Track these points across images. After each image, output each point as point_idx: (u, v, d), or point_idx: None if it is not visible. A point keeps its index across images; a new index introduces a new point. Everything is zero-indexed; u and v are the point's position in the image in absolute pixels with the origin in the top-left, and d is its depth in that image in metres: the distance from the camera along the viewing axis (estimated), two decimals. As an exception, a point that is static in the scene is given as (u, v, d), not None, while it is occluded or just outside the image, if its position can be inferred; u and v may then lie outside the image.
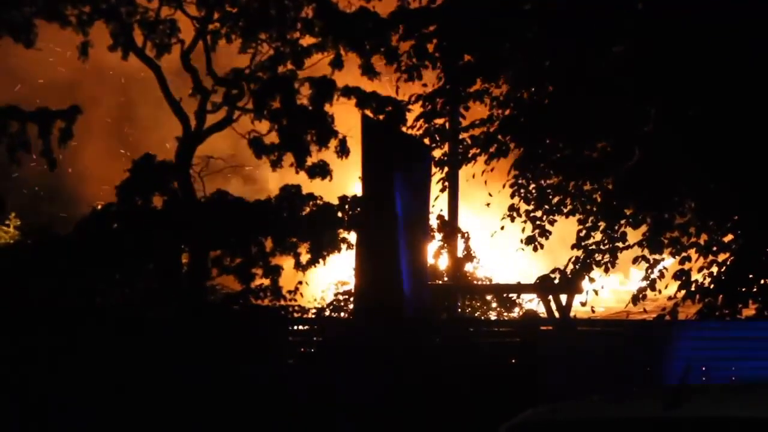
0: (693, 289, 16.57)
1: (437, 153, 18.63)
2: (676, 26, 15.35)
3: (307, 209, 18.93)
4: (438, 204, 19.71)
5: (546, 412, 6.47)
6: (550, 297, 19.38)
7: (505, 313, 25.04)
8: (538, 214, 17.67)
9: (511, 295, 24.61)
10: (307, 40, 19.32)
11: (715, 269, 16.69)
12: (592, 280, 17.48)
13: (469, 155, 17.87)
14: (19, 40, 18.83)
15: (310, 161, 19.11)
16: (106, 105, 37.27)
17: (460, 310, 23.30)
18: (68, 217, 24.93)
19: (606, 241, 17.16)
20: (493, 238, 19.69)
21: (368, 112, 18.63)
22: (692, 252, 16.81)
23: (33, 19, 18.77)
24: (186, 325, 15.22)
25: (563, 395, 8.37)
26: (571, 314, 19.20)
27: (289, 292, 19.23)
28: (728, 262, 16.76)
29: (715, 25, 15.08)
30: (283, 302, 18.87)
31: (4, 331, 14.02)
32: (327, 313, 20.19)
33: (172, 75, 19.89)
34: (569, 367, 13.50)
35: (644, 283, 17.08)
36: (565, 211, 17.48)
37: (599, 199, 17.17)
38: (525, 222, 17.84)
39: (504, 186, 17.83)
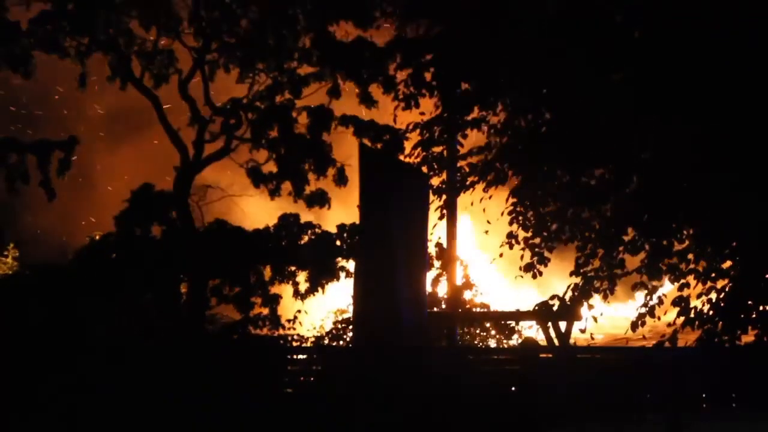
0: (692, 315, 16.52)
1: (435, 181, 18.62)
2: (673, 55, 15.38)
3: (306, 238, 18.91)
4: (436, 232, 19.70)
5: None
6: (549, 324, 19.37)
7: (505, 341, 25.04)
8: (537, 241, 17.65)
9: (509, 322, 24.62)
10: (305, 70, 19.38)
11: (714, 295, 16.65)
12: (591, 306, 17.45)
13: (467, 183, 17.85)
14: (17, 72, 18.86)
15: (308, 190, 19.11)
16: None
17: (459, 337, 23.28)
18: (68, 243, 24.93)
19: (604, 268, 17.13)
20: (492, 265, 19.69)
21: (366, 141, 18.66)
22: (691, 278, 16.78)
23: (32, 51, 18.81)
24: (184, 355, 15.23)
25: (564, 421, 8.38)
26: (571, 341, 19.18)
27: (288, 320, 19.19)
28: (727, 289, 16.72)
29: (711, 54, 15.12)
30: (282, 331, 18.84)
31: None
32: (326, 341, 20.17)
33: (171, 105, 19.93)
34: (570, 393, 13.51)
35: (643, 310, 17.05)
36: (564, 238, 17.46)
37: (597, 226, 17.15)
38: (523, 249, 17.82)
39: (502, 214, 17.82)
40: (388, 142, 18.76)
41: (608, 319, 27.21)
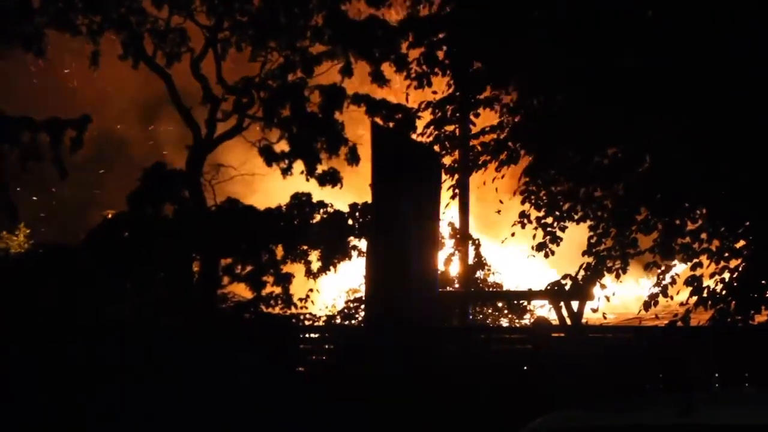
0: (705, 295, 16.50)
1: (447, 160, 18.59)
2: (687, 33, 15.31)
3: (318, 217, 18.90)
4: (448, 211, 19.68)
5: (559, 420, 6.46)
6: (562, 304, 19.35)
7: (517, 320, 25.04)
8: (549, 220, 17.62)
9: (522, 301, 24.60)
10: (317, 48, 19.33)
11: (727, 275, 16.63)
12: (603, 286, 17.42)
13: (480, 162, 17.82)
14: (30, 50, 18.88)
15: (320, 169, 19.10)
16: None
17: (471, 317, 23.28)
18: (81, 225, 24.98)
19: (617, 248, 17.10)
20: (504, 245, 19.67)
21: (378, 120, 18.62)
22: (704, 258, 16.75)
23: (44, 29, 18.81)
24: (196, 334, 15.24)
25: (575, 401, 8.36)
26: (583, 321, 19.17)
27: (300, 299, 19.21)
28: (740, 268, 16.69)
29: (726, 32, 15.05)
30: (294, 310, 18.86)
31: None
32: (338, 320, 20.18)
33: (183, 84, 19.92)
34: (580, 374, 13.48)
35: (656, 289, 17.02)
36: (576, 217, 17.42)
37: (610, 206, 17.11)
38: (536, 229, 17.79)
39: (514, 193, 17.79)
40: (401, 121, 18.74)
41: (620, 299, 27.21)
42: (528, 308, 25.01)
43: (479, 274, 23.93)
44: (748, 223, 16.43)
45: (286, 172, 19.32)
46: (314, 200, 19.07)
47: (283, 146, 19.31)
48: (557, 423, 6.41)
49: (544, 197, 17.49)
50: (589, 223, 17.30)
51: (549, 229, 17.61)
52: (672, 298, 17.10)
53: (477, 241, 22.82)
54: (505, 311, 25.47)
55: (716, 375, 13.35)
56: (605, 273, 17.19)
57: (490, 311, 25.47)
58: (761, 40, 14.72)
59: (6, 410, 13.60)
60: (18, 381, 13.77)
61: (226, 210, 18.86)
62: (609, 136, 16.35)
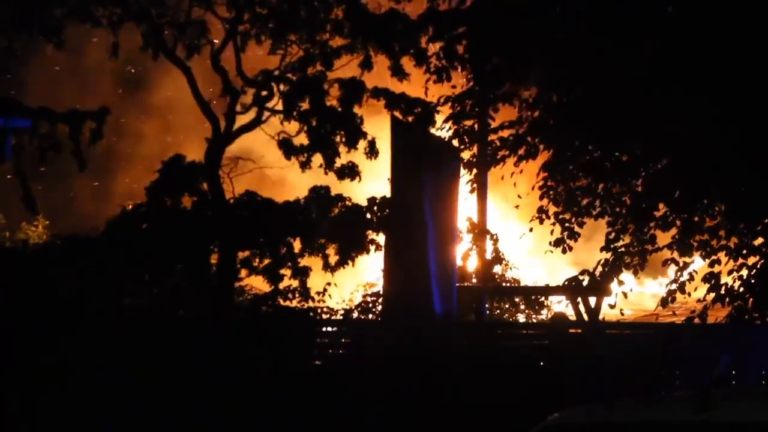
0: (722, 292, 16.50)
1: (466, 154, 18.60)
2: (706, 26, 15.29)
3: (336, 210, 18.91)
4: (467, 206, 19.68)
5: (575, 416, 6.46)
6: (579, 299, 19.33)
7: (534, 316, 25.03)
8: (567, 216, 17.61)
9: (539, 297, 24.60)
10: (337, 42, 19.30)
11: (745, 272, 16.62)
12: (621, 282, 17.41)
13: (498, 157, 17.83)
14: (50, 41, 18.93)
15: (339, 162, 19.09)
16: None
17: (488, 312, 23.28)
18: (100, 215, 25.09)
19: (635, 244, 17.10)
20: (522, 239, 19.67)
21: (397, 114, 18.60)
22: (722, 255, 16.74)
23: (64, 21, 18.85)
24: (214, 326, 15.29)
25: (592, 398, 8.34)
26: (600, 317, 19.14)
27: (318, 293, 19.23)
28: (758, 266, 16.68)
29: (745, 26, 15.02)
30: (311, 303, 18.87)
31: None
32: (355, 314, 20.19)
33: (203, 76, 19.93)
34: (598, 370, 13.48)
35: (674, 286, 17.02)
36: (594, 213, 17.42)
37: (628, 202, 17.11)
38: (554, 224, 17.79)
39: (533, 188, 17.80)
40: (420, 115, 18.71)
41: (638, 295, 27.17)
42: (545, 304, 25.00)
43: (497, 269, 23.91)
44: (766, 220, 16.40)
45: (304, 165, 19.29)
46: (332, 194, 19.06)
47: (302, 139, 19.30)
48: (573, 419, 6.42)
49: (563, 192, 17.50)
50: (607, 219, 17.31)
51: (567, 224, 17.62)
52: (689, 294, 17.10)
53: (495, 236, 22.80)
54: (522, 306, 25.47)
55: (733, 372, 13.32)
56: (623, 269, 17.20)
57: (507, 306, 25.47)
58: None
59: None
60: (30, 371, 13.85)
61: (245, 203, 18.88)
62: (628, 130, 16.33)
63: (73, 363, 13.80)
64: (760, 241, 16.72)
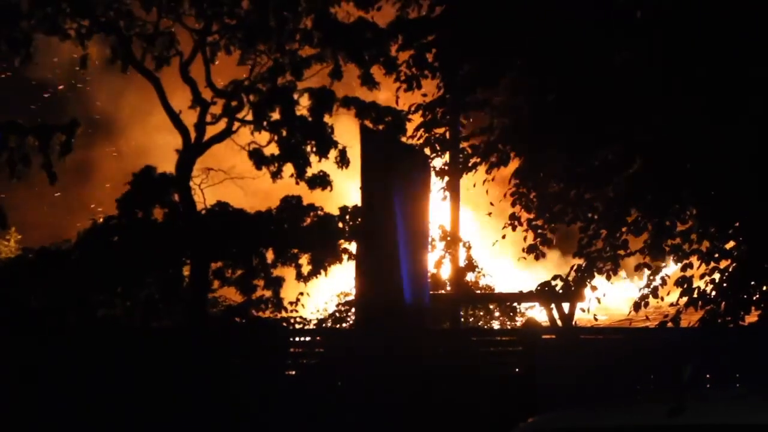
0: (695, 296, 16.54)
1: (438, 162, 18.61)
2: (677, 32, 15.34)
3: (308, 220, 18.87)
4: (439, 213, 19.69)
5: (549, 421, 6.44)
6: (553, 305, 19.36)
7: (508, 322, 25.06)
8: (539, 222, 17.63)
9: (513, 303, 24.62)
10: (306, 51, 19.29)
11: (717, 276, 16.66)
12: (594, 288, 17.44)
13: (470, 164, 17.85)
14: (18, 55, 18.82)
15: (310, 172, 19.06)
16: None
17: (463, 319, 23.29)
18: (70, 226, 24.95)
19: (608, 249, 17.13)
20: (495, 246, 19.68)
21: (368, 123, 18.59)
22: (694, 259, 16.79)
23: (32, 34, 18.75)
24: (187, 337, 15.21)
25: (566, 403, 8.32)
26: (574, 322, 19.18)
27: (291, 303, 19.18)
28: (730, 269, 16.73)
29: (720, 33, 15.07)
30: (284, 313, 18.82)
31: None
32: (329, 324, 20.16)
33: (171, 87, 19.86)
34: (572, 375, 13.47)
35: (646, 290, 17.06)
36: (566, 219, 17.44)
37: (600, 207, 17.14)
38: (526, 231, 17.81)
39: (505, 195, 17.81)
40: (390, 123, 18.71)
41: (612, 299, 27.24)
42: (519, 310, 25.04)
43: (470, 276, 23.94)
44: (737, 224, 16.46)
45: (275, 175, 19.26)
46: (304, 203, 19.02)
47: (273, 149, 19.27)
48: (547, 424, 6.40)
49: (534, 199, 17.52)
50: (579, 224, 17.34)
51: (540, 231, 17.63)
52: (662, 298, 17.14)
53: (467, 244, 22.83)
54: (497, 313, 25.49)
55: (707, 375, 13.34)
56: (596, 274, 17.23)
57: (481, 314, 25.49)
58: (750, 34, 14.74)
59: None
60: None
61: (216, 213, 18.82)
62: (599, 137, 16.37)
63: (44, 374, 13.69)
64: (731, 244, 16.78)
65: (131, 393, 13.67)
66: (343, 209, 18.82)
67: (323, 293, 24.61)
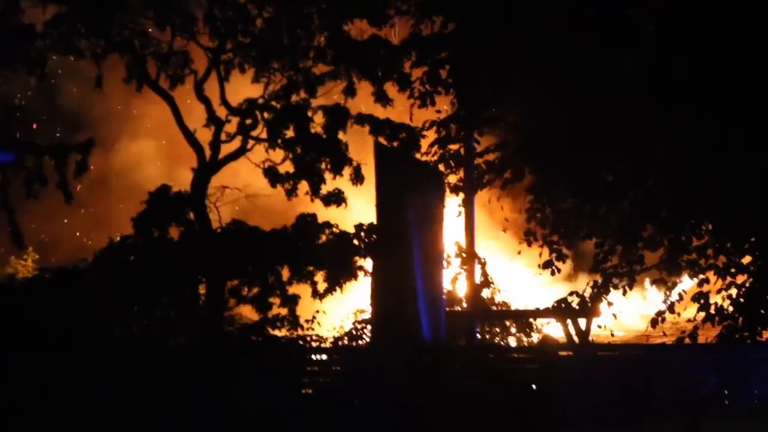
0: (712, 311, 16.44)
1: (452, 179, 18.57)
2: (689, 46, 15.30)
3: (324, 237, 18.84)
4: (454, 230, 19.64)
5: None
6: (569, 321, 19.30)
7: (525, 338, 24.97)
8: (555, 238, 17.56)
9: (529, 319, 24.54)
10: (320, 69, 19.31)
11: (734, 291, 16.56)
12: (610, 303, 17.36)
13: (484, 180, 17.79)
14: (33, 74, 18.89)
15: (324, 189, 19.06)
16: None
17: (479, 335, 23.22)
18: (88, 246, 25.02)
19: (623, 264, 17.04)
20: (511, 262, 19.63)
21: (382, 139, 18.58)
22: (710, 274, 16.70)
23: (47, 53, 18.83)
24: (204, 356, 15.23)
25: (583, 419, 8.30)
26: (590, 338, 19.12)
27: (307, 321, 19.14)
28: (747, 284, 16.63)
29: (731, 48, 15.03)
30: (300, 331, 18.78)
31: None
32: (345, 341, 20.11)
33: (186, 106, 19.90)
34: (588, 391, 13.44)
35: (663, 306, 16.97)
36: (582, 234, 17.37)
37: (616, 223, 17.06)
38: (542, 246, 17.73)
39: (520, 211, 17.75)
40: (404, 140, 18.70)
41: (628, 316, 27.15)
42: (536, 326, 24.95)
43: (486, 293, 23.87)
44: (753, 239, 16.38)
45: (290, 193, 19.27)
46: (320, 221, 19.00)
47: (287, 167, 19.27)
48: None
49: (550, 215, 17.45)
50: (594, 240, 17.26)
51: (555, 246, 17.56)
52: (679, 314, 17.05)
53: (483, 260, 22.78)
54: (513, 329, 25.41)
55: (726, 391, 13.30)
56: (612, 290, 17.14)
57: (497, 330, 25.41)
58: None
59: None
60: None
61: (232, 231, 18.83)
62: (613, 154, 16.31)
63: (57, 392, 13.73)
64: (748, 259, 16.68)
65: (146, 410, 13.70)
66: (359, 226, 18.78)
67: (339, 311, 24.56)
